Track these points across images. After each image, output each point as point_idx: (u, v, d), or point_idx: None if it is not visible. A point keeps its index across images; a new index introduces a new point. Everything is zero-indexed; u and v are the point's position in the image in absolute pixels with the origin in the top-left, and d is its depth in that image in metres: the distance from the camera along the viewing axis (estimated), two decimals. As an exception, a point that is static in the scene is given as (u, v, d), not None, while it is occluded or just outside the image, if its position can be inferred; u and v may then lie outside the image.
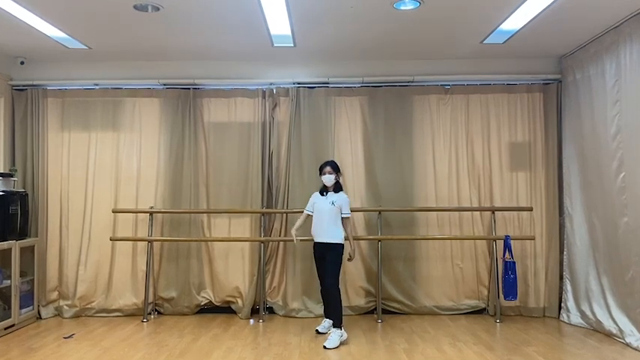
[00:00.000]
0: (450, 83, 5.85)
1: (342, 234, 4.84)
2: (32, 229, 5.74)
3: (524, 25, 4.71)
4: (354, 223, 5.76)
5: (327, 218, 4.83)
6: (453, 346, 4.59)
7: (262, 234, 5.71)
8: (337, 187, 4.95)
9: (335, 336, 4.60)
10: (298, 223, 5.08)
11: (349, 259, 4.97)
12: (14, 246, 5.18)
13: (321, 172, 4.95)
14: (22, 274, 5.35)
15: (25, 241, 5.40)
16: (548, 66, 5.77)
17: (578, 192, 5.39)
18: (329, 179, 4.90)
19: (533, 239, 5.62)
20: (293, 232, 5.06)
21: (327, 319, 4.99)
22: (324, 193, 4.95)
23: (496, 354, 4.37)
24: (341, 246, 4.81)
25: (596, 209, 5.07)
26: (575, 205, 5.43)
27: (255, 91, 5.87)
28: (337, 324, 4.69)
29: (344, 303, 5.69)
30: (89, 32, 4.92)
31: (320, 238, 4.86)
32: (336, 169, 4.95)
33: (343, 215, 4.87)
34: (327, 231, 4.81)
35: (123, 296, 5.74)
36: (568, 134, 5.58)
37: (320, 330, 4.98)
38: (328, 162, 5.00)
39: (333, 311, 4.76)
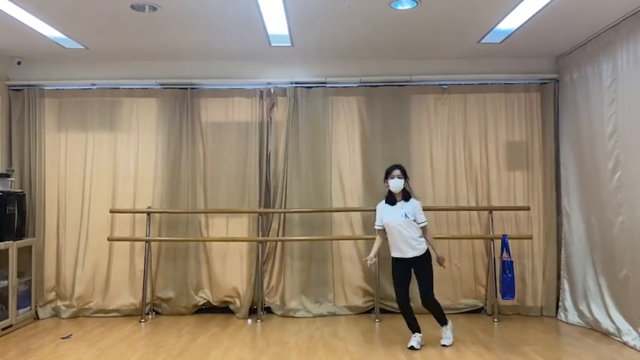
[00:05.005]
0: (448, 83, 5.86)
1: (424, 241, 4.51)
2: (29, 229, 5.72)
3: (521, 25, 4.72)
4: (352, 223, 5.78)
5: (404, 232, 4.45)
6: (451, 345, 4.60)
7: (260, 234, 5.71)
8: (406, 195, 4.54)
9: (449, 332, 4.61)
10: (375, 248, 4.65)
11: (440, 263, 4.61)
12: (11, 246, 5.17)
13: (388, 176, 4.52)
14: (20, 275, 5.34)
15: (22, 241, 5.39)
16: (545, 65, 5.78)
17: (575, 191, 5.40)
18: (397, 184, 4.47)
19: (531, 238, 5.63)
20: (371, 255, 4.62)
21: (418, 334, 4.58)
22: (393, 203, 4.54)
23: (494, 353, 4.37)
24: (428, 253, 4.52)
25: (593, 208, 5.08)
26: (572, 204, 5.44)
27: (253, 91, 5.87)
28: (444, 322, 4.62)
29: (342, 303, 5.75)
30: (86, 32, 4.91)
31: (402, 254, 4.49)
32: (404, 173, 4.54)
33: (420, 225, 4.49)
34: (409, 245, 4.46)
35: (120, 296, 5.74)
36: (565, 133, 5.59)
37: (415, 346, 4.49)
38: (396, 165, 4.58)
39: (441, 315, 4.57)
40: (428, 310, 4.58)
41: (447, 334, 4.61)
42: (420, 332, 4.58)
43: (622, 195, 4.59)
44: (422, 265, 4.50)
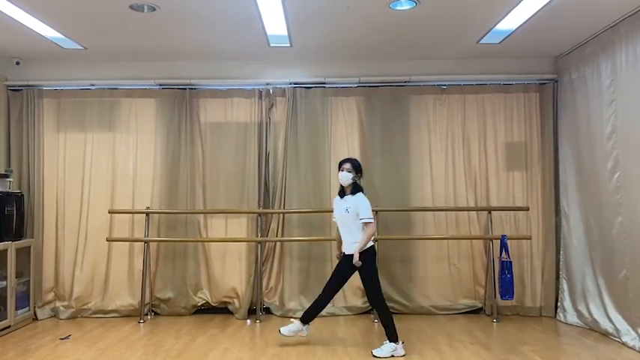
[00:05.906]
0: (447, 83, 5.86)
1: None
2: (28, 230, 5.71)
3: (520, 25, 4.72)
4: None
5: (344, 227, 4.45)
6: (449, 345, 4.60)
7: (259, 234, 5.71)
8: (355, 189, 4.45)
9: (388, 348, 4.30)
10: (338, 239, 4.65)
11: (354, 266, 4.33)
12: (10, 247, 5.16)
13: (339, 168, 4.49)
14: (18, 275, 5.33)
15: (21, 242, 5.38)
16: (544, 66, 5.78)
17: (574, 192, 5.40)
18: (344, 177, 4.42)
19: (530, 239, 5.63)
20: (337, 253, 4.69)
21: (297, 322, 4.59)
22: (342, 196, 4.52)
23: (493, 353, 4.37)
24: (365, 254, 4.31)
25: (592, 209, 5.08)
26: (571, 204, 5.44)
27: (252, 91, 5.86)
28: (390, 337, 4.34)
29: (341, 303, 5.74)
30: (85, 32, 4.91)
31: (344, 249, 4.48)
32: (356, 168, 4.46)
33: (361, 220, 4.33)
34: (345, 241, 4.45)
35: (119, 297, 5.73)
36: (564, 134, 5.59)
37: (282, 331, 4.58)
38: (349, 159, 4.54)
39: (388, 326, 4.34)
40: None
41: (384, 347, 4.31)
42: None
43: (621, 195, 4.59)
44: (360, 268, 4.34)
